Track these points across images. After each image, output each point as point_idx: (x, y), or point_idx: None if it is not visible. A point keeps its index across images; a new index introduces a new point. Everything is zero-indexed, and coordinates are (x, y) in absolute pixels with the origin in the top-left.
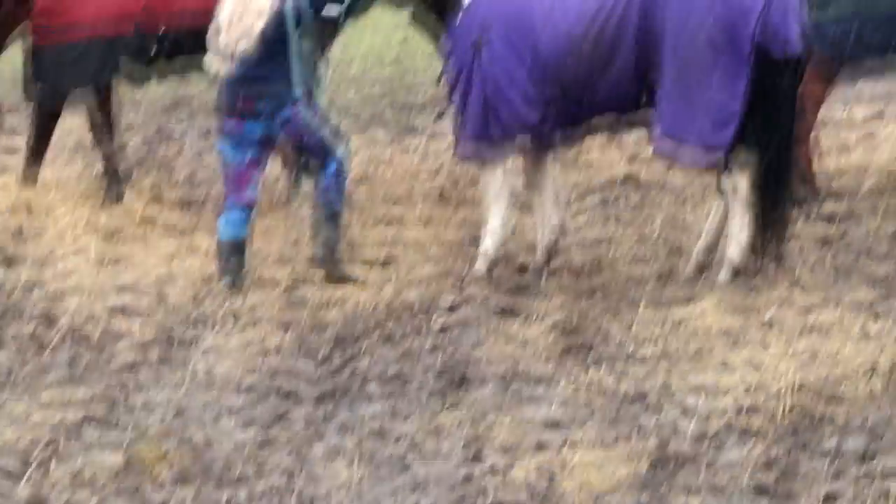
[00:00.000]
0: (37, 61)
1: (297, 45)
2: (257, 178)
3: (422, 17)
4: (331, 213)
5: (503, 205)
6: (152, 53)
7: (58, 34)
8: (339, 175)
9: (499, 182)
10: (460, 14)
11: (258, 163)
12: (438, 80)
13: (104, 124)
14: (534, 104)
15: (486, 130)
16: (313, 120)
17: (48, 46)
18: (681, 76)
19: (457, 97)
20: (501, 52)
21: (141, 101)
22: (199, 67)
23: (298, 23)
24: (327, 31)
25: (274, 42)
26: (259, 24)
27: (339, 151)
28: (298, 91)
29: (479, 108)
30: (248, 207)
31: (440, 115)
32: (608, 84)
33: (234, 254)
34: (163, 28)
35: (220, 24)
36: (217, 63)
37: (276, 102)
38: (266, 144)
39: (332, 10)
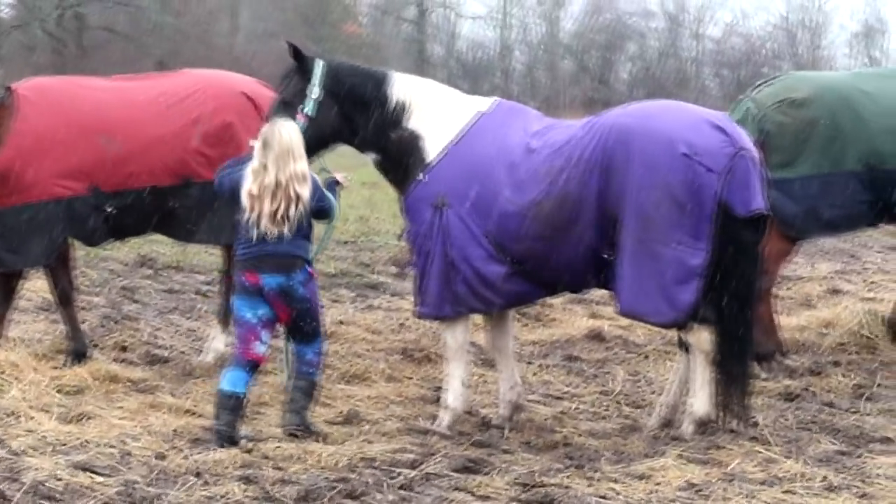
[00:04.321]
0: None
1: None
2: (267, 337)
3: (385, 167)
4: (311, 384)
5: (464, 361)
6: (109, 213)
7: (13, 196)
8: (322, 352)
9: (460, 339)
10: (422, 172)
11: (270, 322)
12: (399, 237)
13: (65, 284)
14: (497, 263)
15: (447, 288)
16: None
17: (4, 209)
18: (642, 238)
19: (418, 256)
20: (464, 212)
21: (105, 260)
22: (161, 229)
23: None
24: None
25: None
26: (306, 201)
27: (322, 332)
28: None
29: (441, 267)
30: (254, 364)
31: (401, 273)
32: (569, 248)
33: (229, 408)
34: (120, 187)
35: (261, 194)
36: (267, 227)
37: (297, 263)
38: (279, 302)
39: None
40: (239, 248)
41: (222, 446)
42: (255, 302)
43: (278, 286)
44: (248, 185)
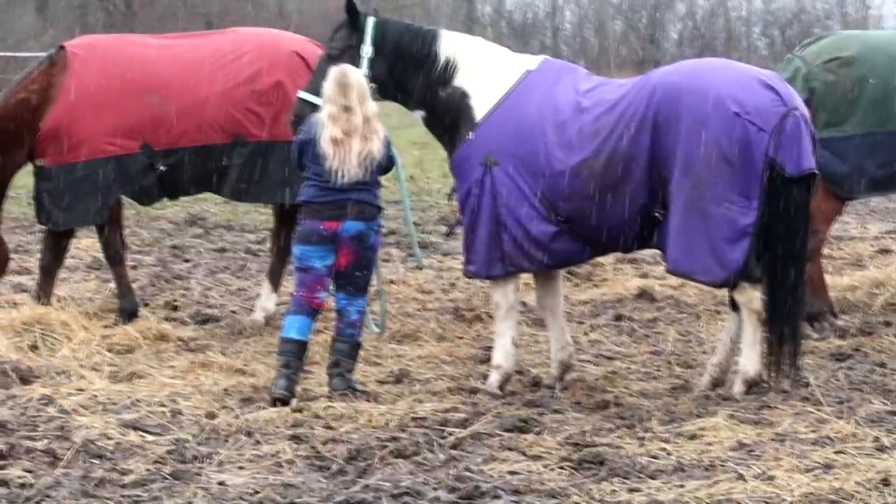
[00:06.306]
0: (46, 181)
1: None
2: (329, 283)
3: (433, 125)
4: (353, 346)
5: (514, 320)
6: (161, 171)
7: (64, 154)
8: (365, 311)
9: (509, 298)
10: (470, 131)
11: (333, 271)
12: (449, 196)
13: (116, 242)
14: (546, 222)
15: (496, 247)
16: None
17: (56, 167)
18: (692, 197)
19: (466, 214)
20: (513, 170)
21: (156, 219)
22: (212, 187)
23: None
24: None
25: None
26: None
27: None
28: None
29: (489, 226)
30: (318, 311)
31: (450, 232)
32: (618, 207)
33: (296, 355)
34: (172, 145)
35: (348, 135)
36: (353, 170)
37: (376, 212)
38: (349, 247)
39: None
40: (315, 197)
41: (289, 394)
42: (325, 250)
43: (357, 232)
44: (329, 132)
